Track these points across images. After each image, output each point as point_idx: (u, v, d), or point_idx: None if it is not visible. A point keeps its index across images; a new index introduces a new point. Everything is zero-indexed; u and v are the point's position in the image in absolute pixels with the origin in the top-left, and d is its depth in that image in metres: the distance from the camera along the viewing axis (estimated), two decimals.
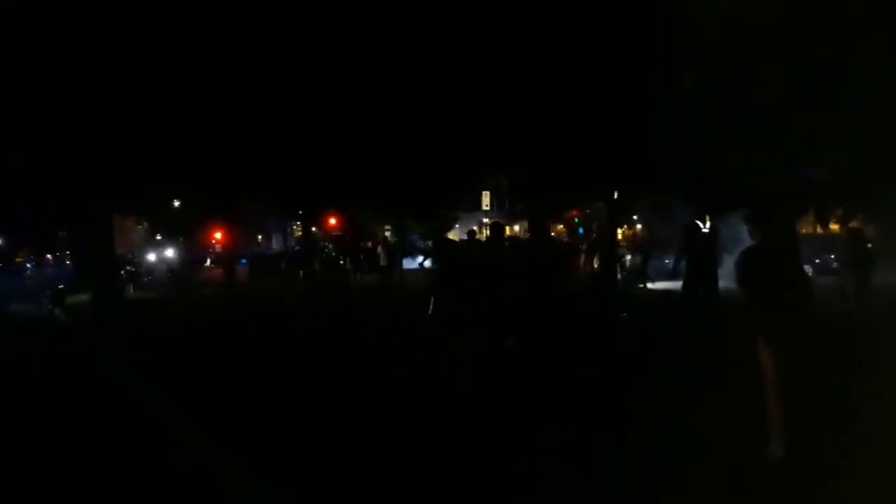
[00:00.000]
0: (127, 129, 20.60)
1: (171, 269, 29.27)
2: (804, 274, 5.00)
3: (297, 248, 32.80)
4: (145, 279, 30.91)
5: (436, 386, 6.77)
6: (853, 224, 17.20)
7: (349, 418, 6.20)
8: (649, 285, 18.78)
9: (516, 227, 57.63)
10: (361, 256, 24.74)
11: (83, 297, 21.35)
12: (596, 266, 18.55)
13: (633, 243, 23.83)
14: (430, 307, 11.96)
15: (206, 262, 35.76)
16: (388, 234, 47.33)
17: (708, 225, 16.49)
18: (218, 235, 45.02)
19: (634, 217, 49.48)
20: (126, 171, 21.40)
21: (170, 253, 31.56)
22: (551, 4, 17.79)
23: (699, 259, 9.36)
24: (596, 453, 5.13)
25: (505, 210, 59.98)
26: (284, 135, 25.14)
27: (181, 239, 39.28)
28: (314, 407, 6.66)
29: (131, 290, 26.62)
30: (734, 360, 5.51)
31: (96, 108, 19.71)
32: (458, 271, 6.45)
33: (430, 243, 32.29)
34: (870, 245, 12.39)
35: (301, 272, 26.38)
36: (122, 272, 29.10)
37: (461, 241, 20.21)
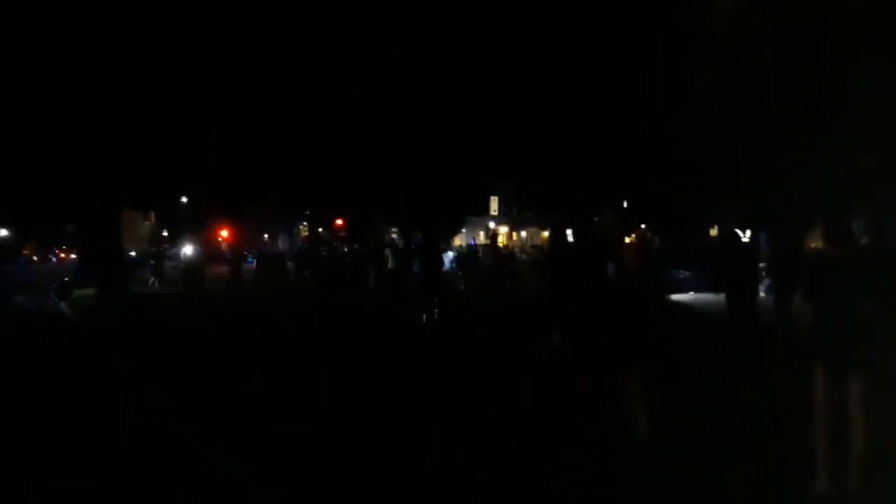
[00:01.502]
0: (137, 128, 20.65)
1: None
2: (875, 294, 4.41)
3: (305, 247, 32.70)
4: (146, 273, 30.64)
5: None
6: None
7: (352, 419, 6.15)
8: None
9: (523, 234, 57.48)
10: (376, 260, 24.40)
11: (89, 291, 21.28)
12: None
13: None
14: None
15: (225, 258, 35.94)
16: (394, 236, 47.26)
17: (748, 234, 15.90)
18: (224, 233, 44.89)
19: (643, 226, 49.32)
20: (138, 163, 21.41)
21: (188, 249, 30.87)
22: (551, 4, 17.70)
23: (737, 271, 8.83)
24: (597, 456, 5.04)
25: (513, 215, 59.93)
26: (294, 141, 25.10)
27: (191, 236, 39.24)
28: (314, 406, 6.61)
29: (156, 284, 27.34)
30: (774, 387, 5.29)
31: (103, 106, 19.73)
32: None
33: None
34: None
35: (307, 272, 26.20)
36: (150, 263, 30.24)
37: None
